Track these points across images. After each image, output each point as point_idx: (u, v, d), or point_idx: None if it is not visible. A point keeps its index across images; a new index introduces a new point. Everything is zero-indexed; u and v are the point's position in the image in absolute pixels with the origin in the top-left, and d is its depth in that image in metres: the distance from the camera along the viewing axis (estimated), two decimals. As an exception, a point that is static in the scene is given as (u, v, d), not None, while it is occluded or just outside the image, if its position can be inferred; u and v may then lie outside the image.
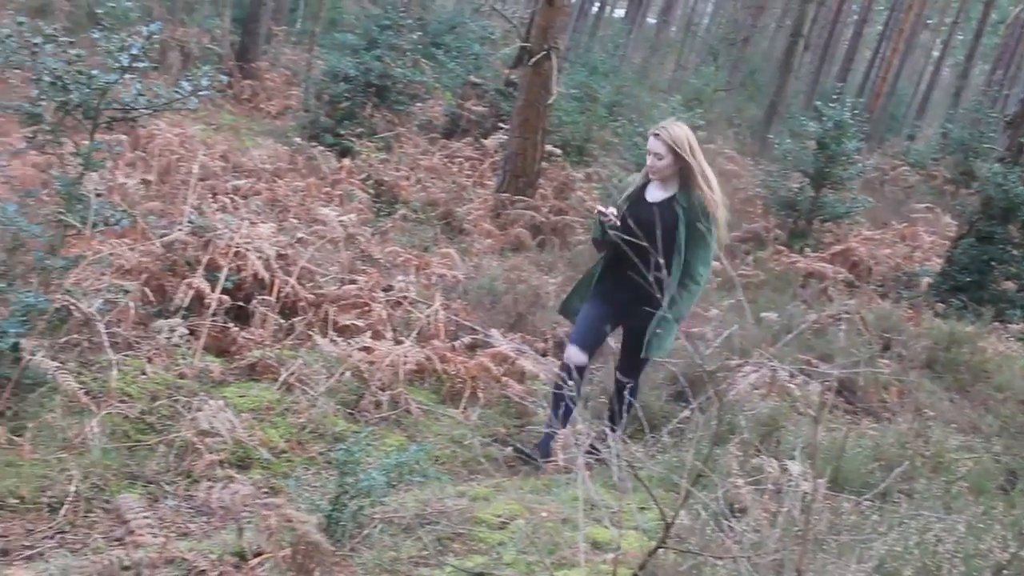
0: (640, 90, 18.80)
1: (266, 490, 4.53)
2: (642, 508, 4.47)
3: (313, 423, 5.17)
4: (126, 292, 5.38)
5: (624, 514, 4.32)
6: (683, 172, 5.11)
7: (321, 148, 11.31)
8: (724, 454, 4.81)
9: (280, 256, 6.28)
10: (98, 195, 5.33)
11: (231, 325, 5.81)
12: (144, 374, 5.09)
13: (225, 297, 5.86)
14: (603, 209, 5.15)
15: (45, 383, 4.63)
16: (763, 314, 8.08)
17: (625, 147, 12.97)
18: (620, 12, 38.55)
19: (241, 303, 6.03)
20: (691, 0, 45.05)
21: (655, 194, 5.19)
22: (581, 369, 5.12)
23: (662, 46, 33.48)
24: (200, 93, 5.21)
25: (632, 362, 5.25)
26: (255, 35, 16.31)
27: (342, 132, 12.06)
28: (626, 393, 4.73)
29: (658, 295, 4.57)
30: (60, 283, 4.94)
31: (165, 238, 6.02)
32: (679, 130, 5.09)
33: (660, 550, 3.24)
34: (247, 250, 5.92)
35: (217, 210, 7.20)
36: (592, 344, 5.28)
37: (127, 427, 4.69)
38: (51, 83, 4.88)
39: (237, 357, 5.64)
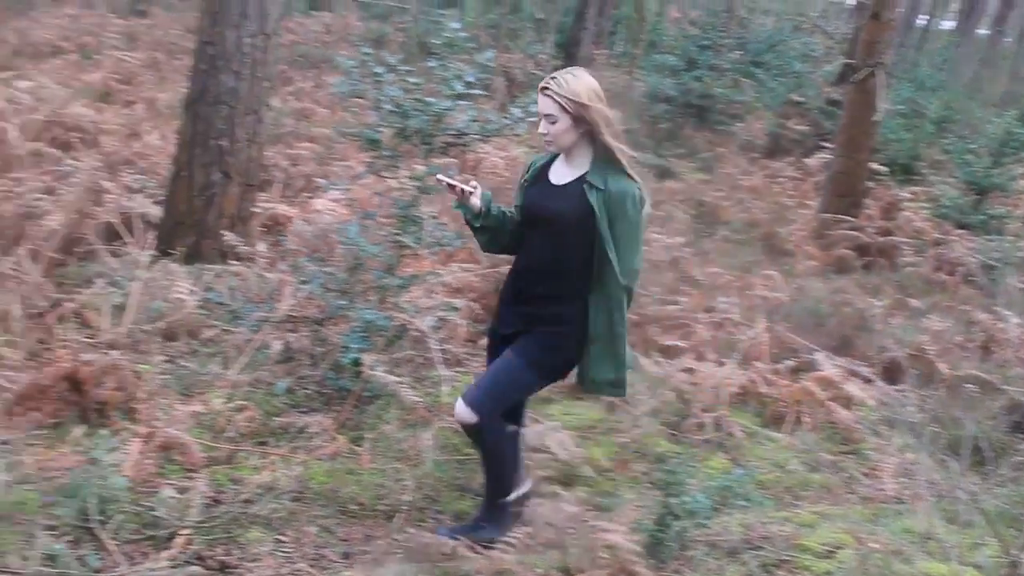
0: (971, 105, 18.21)
1: (590, 508, 5.15)
2: (977, 544, 4.78)
3: (636, 443, 5.85)
4: (456, 310, 6.40)
5: (960, 549, 4.66)
6: (593, 142, 4.32)
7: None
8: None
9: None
10: (432, 217, 6.38)
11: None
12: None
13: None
14: (444, 177, 4.47)
15: (383, 396, 5.69)
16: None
17: (955, 165, 12.84)
18: (949, 24, 36.65)
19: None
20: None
21: (560, 173, 4.41)
22: (469, 427, 4.48)
23: (995, 58, 31.55)
24: (530, 119, 6.12)
25: (488, 390, 4.46)
26: (576, 59, 17.88)
27: (662, 153, 13.02)
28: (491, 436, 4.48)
29: (565, 308, 4.36)
30: (396, 301, 5.99)
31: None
32: (577, 82, 4.26)
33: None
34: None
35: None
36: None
37: (457, 441, 5.52)
38: (391, 110, 5.95)
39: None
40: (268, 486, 4.82)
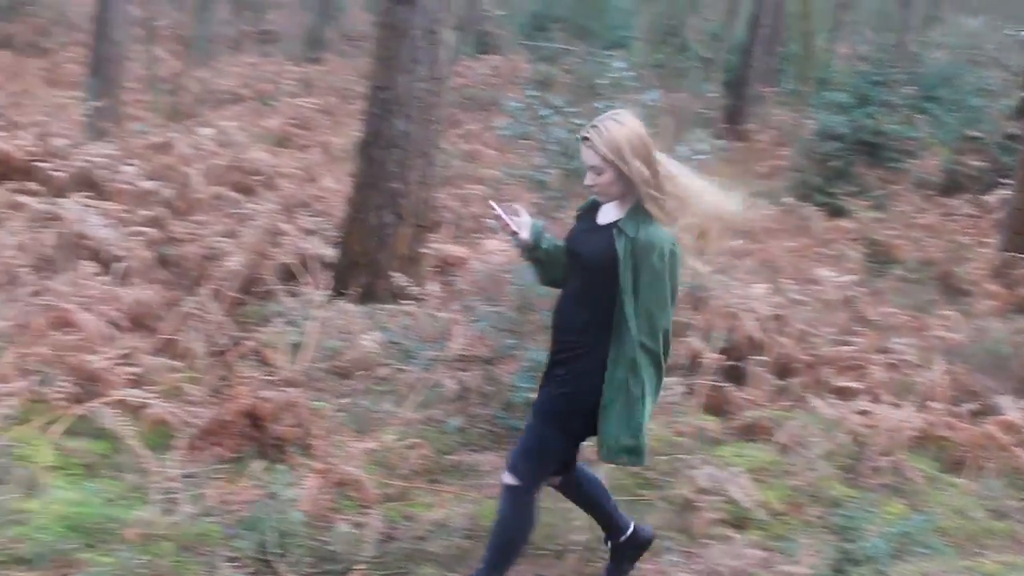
0: None
1: (764, 551, 5.09)
2: None
3: (810, 486, 5.74)
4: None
5: None
6: (632, 190, 4.02)
7: (812, 207, 12.25)
8: None
9: (774, 317, 7.06)
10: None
11: (726, 385, 6.64)
12: (644, 430, 6.07)
13: (720, 357, 6.70)
14: (495, 205, 4.30)
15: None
16: None
17: None
18: None
19: (735, 363, 6.84)
20: None
21: (607, 212, 4.12)
22: (510, 490, 4.25)
23: None
24: (697, 158, 6.13)
25: (524, 452, 4.24)
26: (744, 97, 17.85)
27: (833, 191, 12.83)
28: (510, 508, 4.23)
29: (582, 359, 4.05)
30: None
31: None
32: (620, 129, 3.96)
33: None
34: (742, 310, 6.79)
35: (712, 271, 8.19)
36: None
37: (627, 481, 5.53)
38: (557, 151, 6.05)
39: (732, 417, 6.45)
40: (440, 523, 4.92)
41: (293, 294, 7.32)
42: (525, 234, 4.21)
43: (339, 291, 7.31)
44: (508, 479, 4.19)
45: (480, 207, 10.11)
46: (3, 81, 13.57)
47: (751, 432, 6.33)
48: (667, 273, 3.92)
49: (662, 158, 4.04)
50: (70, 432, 5.25)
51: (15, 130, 9.09)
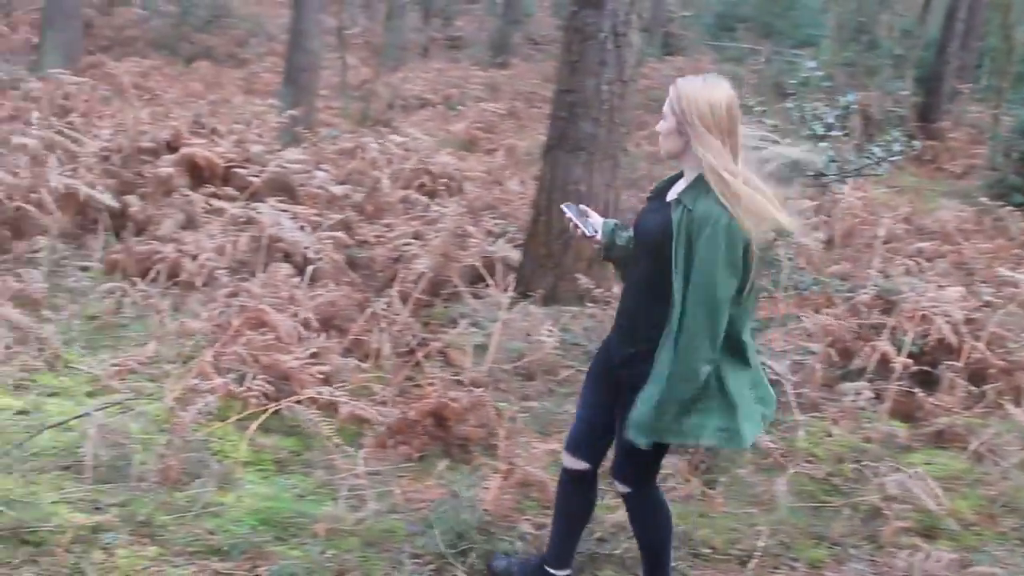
0: None
1: (956, 562, 4.90)
2: None
3: (1005, 496, 5.52)
4: (812, 353, 6.29)
5: None
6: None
7: (1009, 208, 11.66)
8: None
9: (968, 320, 6.77)
10: (789, 259, 6.32)
11: (916, 390, 6.41)
12: (830, 435, 5.92)
13: (910, 361, 6.49)
14: (566, 210, 4.14)
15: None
16: None
17: None
18: None
19: (926, 368, 6.61)
20: None
21: (676, 189, 3.82)
22: (575, 475, 4.20)
23: None
24: (891, 159, 5.97)
25: (619, 456, 4.05)
26: (938, 95, 17.21)
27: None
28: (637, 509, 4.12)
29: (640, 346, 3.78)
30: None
31: (850, 301, 6.87)
32: (703, 89, 3.67)
33: None
34: (933, 314, 6.54)
35: (902, 273, 7.93)
36: (586, 443, 4.17)
37: (812, 488, 5.45)
38: (746, 153, 5.94)
39: (923, 423, 6.23)
40: (621, 525, 4.88)
41: (478, 296, 7.41)
42: (598, 235, 4.07)
43: (524, 293, 7.36)
44: (621, 488, 4.09)
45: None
46: (203, 90, 14.14)
47: (942, 439, 6.11)
48: (721, 250, 3.52)
49: (743, 140, 3.72)
50: (263, 428, 5.44)
51: (214, 137, 9.44)
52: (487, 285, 7.60)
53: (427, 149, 10.79)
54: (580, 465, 4.14)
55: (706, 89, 3.65)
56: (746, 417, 3.76)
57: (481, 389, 5.90)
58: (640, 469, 4.04)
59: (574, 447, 4.15)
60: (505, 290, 7.23)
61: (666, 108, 3.72)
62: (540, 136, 9.44)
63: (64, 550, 4.20)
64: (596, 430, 4.11)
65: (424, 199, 9.48)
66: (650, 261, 3.77)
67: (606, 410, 4.03)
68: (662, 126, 3.74)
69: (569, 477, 4.20)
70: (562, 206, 4.22)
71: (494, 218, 9.12)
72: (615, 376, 3.96)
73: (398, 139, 10.90)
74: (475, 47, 22.28)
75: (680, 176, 3.85)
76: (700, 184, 3.64)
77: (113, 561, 4.21)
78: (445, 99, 16.25)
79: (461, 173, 10.48)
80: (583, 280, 7.09)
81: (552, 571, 4.32)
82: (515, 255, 7.99)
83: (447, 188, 10.07)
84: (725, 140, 3.62)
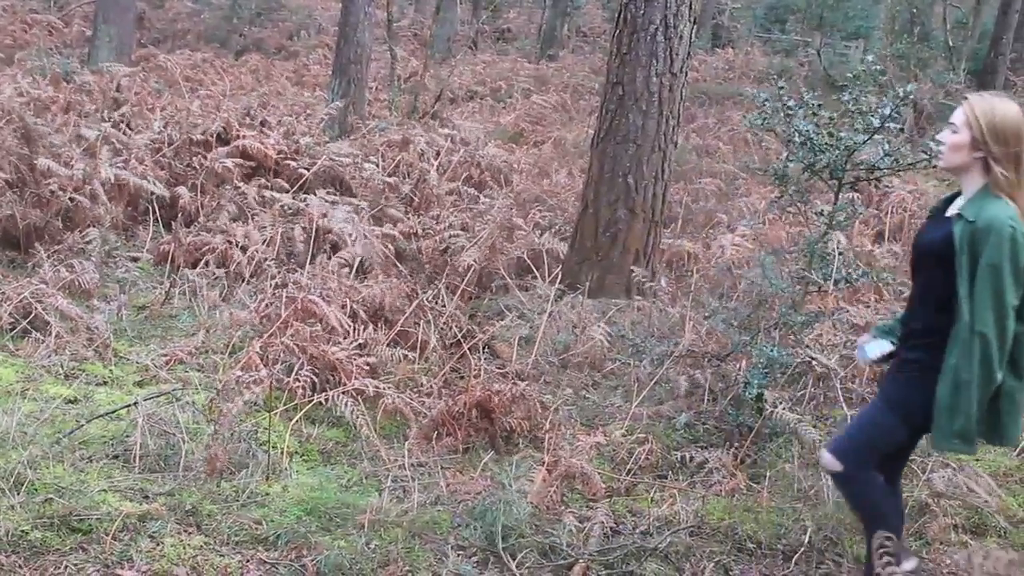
0: None
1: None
2: None
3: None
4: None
5: None
6: (988, 172, 3.82)
7: None
8: None
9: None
10: (840, 254, 6.25)
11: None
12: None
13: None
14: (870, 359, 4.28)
15: (783, 434, 5.62)
16: None
17: None
18: None
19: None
20: None
21: (955, 206, 3.96)
22: (836, 477, 4.23)
23: None
24: (940, 151, 5.86)
25: (848, 428, 4.29)
26: (991, 87, 16.94)
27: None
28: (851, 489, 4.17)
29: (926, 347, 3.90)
30: (800, 338, 5.91)
31: (901, 295, 6.79)
32: (990, 106, 3.83)
33: None
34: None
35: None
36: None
37: (860, 483, 5.44)
38: (802, 144, 5.90)
39: (975, 418, 6.12)
40: (666, 519, 4.87)
41: (525, 288, 7.40)
42: (882, 351, 4.21)
43: (571, 285, 7.34)
44: (833, 465, 4.11)
45: (712, 203, 9.99)
46: (254, 83, 14.26)
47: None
48: (1007, 257, 3.68)
49: None
50: (309, 419, 5.46)
51: (264, 129, 9.50)
52: (534, 278, 7.59)
53: (475, 141, 10.79)
54: (836, 467, 4.14)
55: (1002, 107, 3.83)
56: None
57: (526, 381, 5.89)
58: (871, 454, 4.12)
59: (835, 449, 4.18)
60: (552, 282, 7.21)
61: (958, 122, 3.88)
62: (588, 129, 9.43)
63: (112, 538, 4.23)
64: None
65: (472, 191, 9.48)
66: (930, 273, 3.94)
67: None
68: (951, 139, 3.90)
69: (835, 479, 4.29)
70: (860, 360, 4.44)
71: (542, 211, 9.10)
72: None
73: (446, 131, 10.92)
74: (524, 39, 22.28)
75: (955, 196, 4.00)
76: (982, 197, 3.81)
77: (160, 550, 4.24)
78: (493, 92, 16.25)
79: (509, 165, 10.48)
80: (635, 273, 7.08)
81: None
82: (562, 248, 7.97)
83: (495, 180, 10.07)
84: (1014, 155, 3.79)
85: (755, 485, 5.29)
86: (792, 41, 21.87)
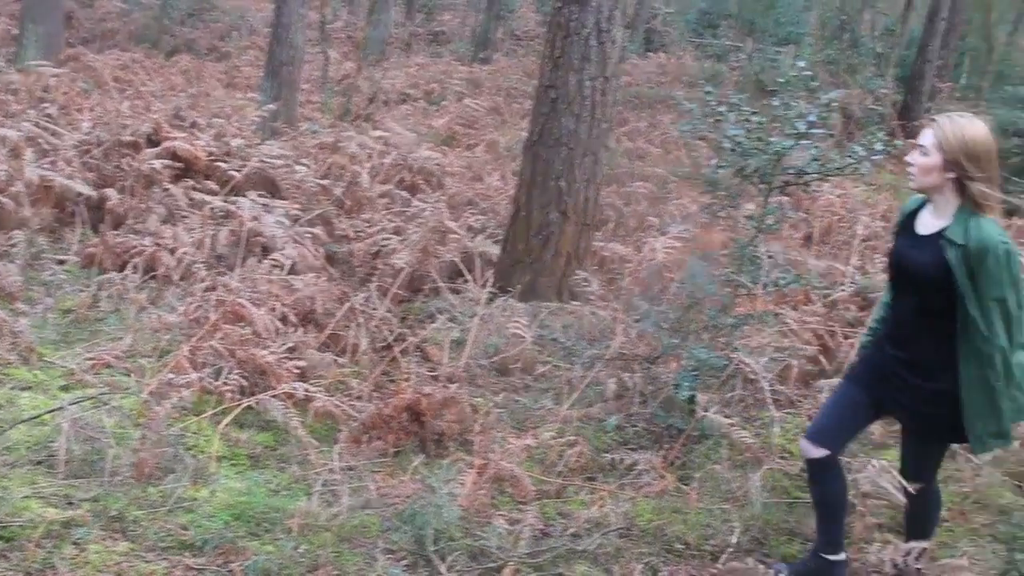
0: None
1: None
2: None
3: (976, 492, 5.55)
4: (788, 351, 6.30)
5: None
6: (961, 192, 4.06)
7: None
8: None
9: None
10: (769, 257, 6.33)
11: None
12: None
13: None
14: None
15: (712, 436, 5.67)
16: None
17: None
18: None
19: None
20: None
21: (925, 223, 4.20)
22: (816, 463, 4.48)
23: None
24: (873, 158, 5.97)
25: (916, 465, 4.48)
26: (918, 93, 17.37)
27: (1010, 189, 12.26)
28: (923, 500, 4.46)
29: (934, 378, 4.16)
30: (729, 341, 5.96)
31: (828, 298, 6.89)
32: (960, 128, 4.02)
33: None
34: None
35: (880, 271, 7.95)
36: (830, 438, 4.48)
37: (787, 483, 5.45)
38: (731, 150, 5.96)
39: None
40: (596, 521, 4.90)
41: (457, 291, 7.40)
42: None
43: (502, 288, 7.35)
44: (816, 452, 4.41)
45: (643, 206, 10.06)
46: (184, 84, 14.10)
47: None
48: (1006, 273, 3.95)
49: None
50: (238, 423, 5.41)
51: (195, 131, 9.40)
52: (466, 281, 7.59)
53: (408, 144, 10.76)
54: (821, 452, 4.41)
55: (972, 129, 4.01)
56: None
57: (457, 384, 5.90)
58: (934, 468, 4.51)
59: (819, 437, 4.44)
60: (484, 285, 7.22)
61: (928, 144, 4.05)
62: (521, 132, 9.45)
63: (35, 545, 4.16)
64: (846, 424, 4.51)
65: (404, 194, 9.46)
66: (923, 297, 4.14)
67: (863, 411, 4.49)
68: (921, 161, 4.07)
69: (814, 466, 4.48)
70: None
71: (474, 214, 9.10)
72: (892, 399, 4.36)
73: (379, 134, 10.88)
74: (458, 42, 22.27)
75: (920, 207, 4.25)
76: (965, 218, 4.02)
77: (85, 556, 4.19)
78: (427, 94, 16.23)
79: (441, 168, 10.47)
80: (561, 276, 7.10)
81: (827, 556, 4.54)
82: (494, 251, 7.98)
83: (427, 183, 10.06)
84: (988, 175, 4.02)
85: (684, 487, 5.34)
86: (724, 46, 22.10)
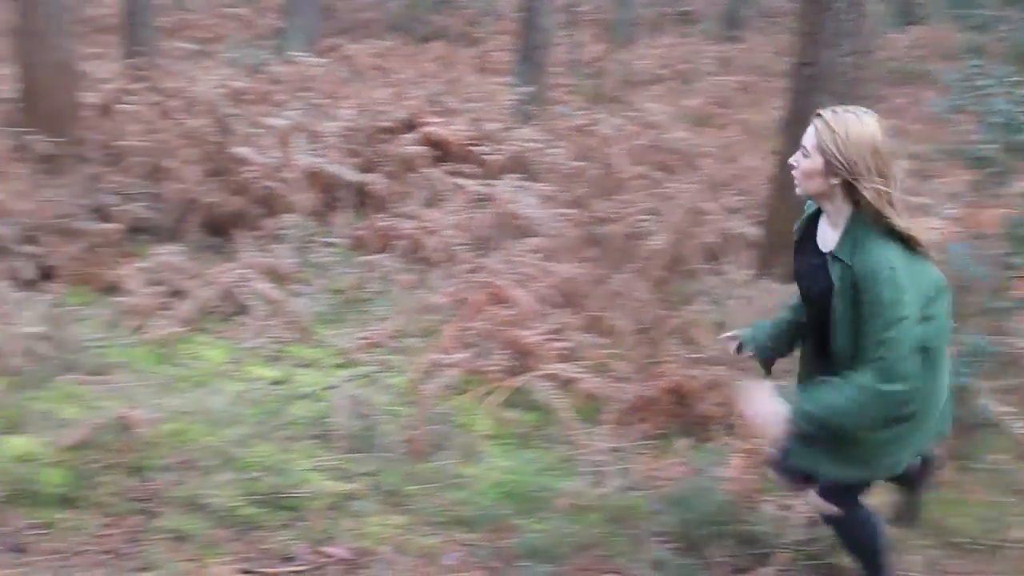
0: None
1: None
2: None
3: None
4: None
5: None
6: (855, 202, 3.39)
7: None
8: None
9: None
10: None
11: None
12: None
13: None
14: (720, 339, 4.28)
15: (990, 426, 5.43)
16: None
17: None
18: None
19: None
20: None
21: (824, 234, 3.58)
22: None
23: None
24: None
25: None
26: None
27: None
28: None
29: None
30: (1006, 325, 5.68)
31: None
32: (843, 125, 3.32)
33: None
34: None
35: None
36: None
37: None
38: (999, 124, 5.67)
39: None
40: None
41: (716, 273, 7.32)
42: (747, 351, 4.13)
43: (762, 270, 7.22)
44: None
45: (907, 185, 9.69)
46: (438, 70, 14.44)
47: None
48: (882, 304, 3.29)
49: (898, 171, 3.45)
50: (505, 403, 5.53)
51: (451, 116, 9.63)
52: (725, 262, 7.50)
53: (661, 125, 10.71)
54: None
55: (859, 124, 3.35)
56: None
57: (720, 367, 5.83)
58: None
59: None
60: (743, 267, 7.11)
61: (809, 145, 3.40)
62: (775, 110, 9.23)
63: (318, 516, 4.37)
64: None
65: (659, 175, 9.41)
66: (816, 312, 3.67)
67: None
68: (803, 163, 3.43)
69: None
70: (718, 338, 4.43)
71: (731, 194, 8.97)
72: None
73: (631, 115, 10.87)
74: (706, 21, 21.98)
75: (819, 212, 3.62)
76: (854, 231, 3.42)
77: (363, 528, 4.37)
78: (678, 75, 16.09)
79: (696, 149, 10.36)
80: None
81: None
82: (753, 231, 7.84)
83: (682, 164, 9.98)
84: (885, 174, 3.38)
85: (964, 477, 5.11)
86: (987, 17, 21.04)
